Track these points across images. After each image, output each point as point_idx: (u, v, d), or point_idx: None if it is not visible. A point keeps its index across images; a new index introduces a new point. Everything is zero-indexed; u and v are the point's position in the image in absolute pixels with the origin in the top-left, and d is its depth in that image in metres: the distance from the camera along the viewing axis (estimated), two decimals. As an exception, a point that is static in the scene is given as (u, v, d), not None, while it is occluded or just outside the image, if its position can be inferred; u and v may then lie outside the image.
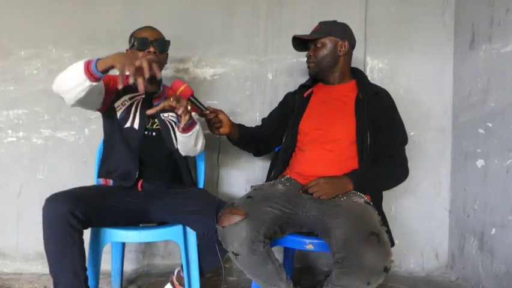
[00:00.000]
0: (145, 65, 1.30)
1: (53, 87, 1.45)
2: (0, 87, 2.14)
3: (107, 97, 1.63)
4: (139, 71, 1.30)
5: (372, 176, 1.55)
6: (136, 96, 1.69)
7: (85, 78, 1.34)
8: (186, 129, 1.54)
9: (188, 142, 1.61)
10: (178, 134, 1.58)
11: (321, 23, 1.70)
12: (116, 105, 1.65)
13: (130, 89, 1.68)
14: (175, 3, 2.17)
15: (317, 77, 1.72)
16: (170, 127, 1.69)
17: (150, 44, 1.61)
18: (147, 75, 1.31)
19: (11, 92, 2.14)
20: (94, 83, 1.37)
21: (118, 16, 2.14)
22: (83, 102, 1.47)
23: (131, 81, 1.29)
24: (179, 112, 1.44)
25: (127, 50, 1.71)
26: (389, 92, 1.69)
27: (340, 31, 1.67)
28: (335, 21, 1.70)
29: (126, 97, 1.68)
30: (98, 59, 1.34)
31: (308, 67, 1.70)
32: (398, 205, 2.20)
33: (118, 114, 1.65)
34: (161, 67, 1.70)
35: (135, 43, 1.63)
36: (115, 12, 2.15)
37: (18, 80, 2.15)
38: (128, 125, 1.64)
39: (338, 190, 1.48)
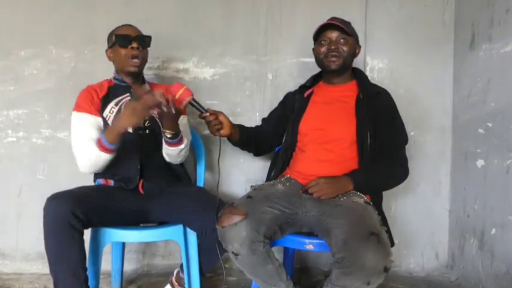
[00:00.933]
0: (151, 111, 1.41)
1: (83, 171, 1.57)
2: (0, 87, 2.14)
3: (95, 107, 1.64)
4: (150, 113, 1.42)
5: (372, 176, 1.55)
6: (122, 100, 1.68)
7: (110, 156, 1.50)
8: (173, 144, 1.56)
9: (171, 154, 1.62)
10: (163, 143, 1.59)
11: (341, 20, 1.63)
12: (105, 114, 1.64)
13: (114, 94, 1.67)
14: (175, 3, 2.17)
15: (332, 73, 1.65)
16: (160, 123, 1.68)
17: (132, 40, 1.62)
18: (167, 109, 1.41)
19: (11, 92, 2.14)
20: (114, 153, 1.50)
21: (118, 16, 2.12)
22: None
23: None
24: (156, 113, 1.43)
25: (107, 51, 1.71)
26: (389, 92, 1.69)
27: (356, 35, 1.67)
28: (349, 22, 1.67)
29: (112, 104, 1.66)
30: (104, 137, 1.46)
31: (331, 60, 1.60)
32: (398, 205, 2.20)
33: (109, 122, 1.63)
34: (144, 63, 1.70)
35: (116, 41, 1.63)
36: (115, 12, 2.14)
37: (18, 80, 2.15)
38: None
39: (337, 190, 1.48)
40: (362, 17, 2.17)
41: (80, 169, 1.56)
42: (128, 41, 1.62)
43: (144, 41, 1.66)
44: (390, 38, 2.19)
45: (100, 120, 1.62)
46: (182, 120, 1.75)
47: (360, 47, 1.69)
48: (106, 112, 1.64)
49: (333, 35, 1.61)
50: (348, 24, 1.64)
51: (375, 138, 1.56)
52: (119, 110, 1.65)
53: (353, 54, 1.65)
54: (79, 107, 1.62)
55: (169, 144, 1.56)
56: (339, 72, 1.65)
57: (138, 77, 1.72)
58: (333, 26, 1.60)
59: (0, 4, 2.14)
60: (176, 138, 1.55)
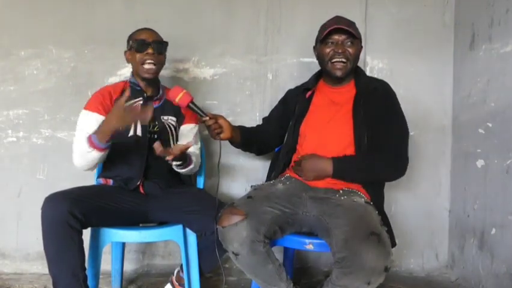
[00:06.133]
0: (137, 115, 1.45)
1: (79, 167, 1.55)
2: (0, 87, 2.14)
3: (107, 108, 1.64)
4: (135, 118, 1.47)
5: (355, 164, 1.52)
6: (134, 104, 1.67)
7: (100, 154, 1.48)
8: (182, 168, 1.61)
9: (181, 173, 1.67)
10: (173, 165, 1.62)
11: (347, 21, 1.58)
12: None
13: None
14: (175, 3, 2.17)
15: (336, 78, 1.62)
16: (169, 130, 1.70)
17: (148, 45, 1.61)
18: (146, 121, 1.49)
19: (11, 92, 2.14)
20: (107, 150, 1.51)
21: (118, 16, 2.14)
22: None
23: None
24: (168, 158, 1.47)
25: (125, 52, 1.71)
26: (389, 84, 1.66)
27: (360, 36, 1.62)
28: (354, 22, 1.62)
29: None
30: (95, 134, 1.45)
31: (338, 67, 1.57)
32: (398, 205, 2.20)
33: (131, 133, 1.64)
34: (160, 68, 1.70)
35: (133, 45, 1.64)
36: (115, 12, 2.15)
37: (18, 80, 2.15)
38: (131, 133, 1.64)
39: (317, 174, 1.52)
40: (362, 17, 2.17)
41: (74, 164, 1.55)
42: (144, 47, 1.61)
43: (160, 47, 1.66)
44: (390, 38, 2.19)
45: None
46: (193, 129, 1.78)
47: (362, 47, 1.65)
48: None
49: (341, 37, 1.56)
50: (353, 25, 1.60)
51: (373, 138, 1.54)
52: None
53: (358, 57, 1.62)
54: (88, 106, 1.62)
55: (178, 168, 1.60)
56: (343, 78, 1.62)
57: (153, 81, 1.71)
58: (341, 29, 1.56)
59: (0, 4, 2.14)
60: (184, 165, 1.58)
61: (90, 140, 1.45)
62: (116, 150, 1.64)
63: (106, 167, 1.70)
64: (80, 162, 1.53)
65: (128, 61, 1.71)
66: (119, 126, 1.41)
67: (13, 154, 2.15)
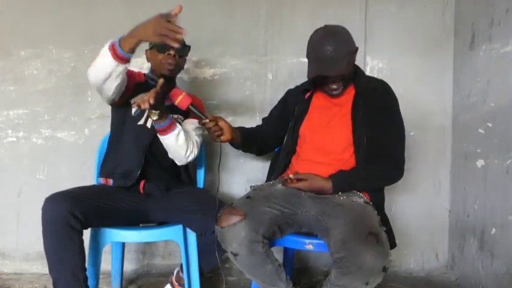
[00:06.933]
0: (172, 29, 1.32)
1: (91, 82, 1.50)
2: (0, 87, 2.15)
3: (126, 90, 1.61)
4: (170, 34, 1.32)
5: (354, 177, 1.51)
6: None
7: (113, 63, 1.38)
8: (163, 130, 1.54)
9: (167, 145, 1.59)
10: (159, 136, 1.57)
11: (331, 44, 1.46)
12: (132, 101, 1.66)
13: (146, 86, 1.67)
14: (175, 3, 2.16)
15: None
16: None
17: (170, 47, 1.60)
18: (180, 39, 1.33)
19: (11, 92, 2.15)
20: (126, 64, 1.41)
21: (118, 16, 2.14)
22: (119, 89, 1.51)
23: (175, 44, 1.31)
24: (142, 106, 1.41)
25: (146, 51, 1.73)
26: (388, 84, 1.65)
27: (350, 42, 1.54)
28: (340, 34, 1.52)
29: (142, 95, 1.66)
30: (120, 40, 1.37)
31: (333, 94, 1.58)
32: (398, 205, 2.20)
33: (133, 111, 1.66)
34: (179, 71, 1.74)
35: (156, 45, 1.65)
36: (115, 12, 2.15)
37: (18, 80, 2.15)
38: (141, 122, 1.66)
39: (315, 193, 1.49)
40: (362, 17, 2.17)
41: (88, 72, 1.49)
42: (166, 48, 1.62)
43: (182, 50, 1.68)
44: (390, 38, 2.19)
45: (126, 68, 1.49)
46: (195, 121, 1.72)
47: (356, 47, 1.58)
48: (133, 100, 1.66)
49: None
50: (336, 48, 1.47)
51: (371, 138, 1.54)
52: None
53: (351, 65, 1.57)
54: None
55: (160, 132, 1.53)
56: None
57: (170, 80, 1.72)
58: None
59: (0, 4, 2.14)
60: (164, 122, 1.51)
61: (111, 44, 1.38)
62: (119, 139, 1.65)
63: (106, 157, 1.70)
64: (90, 69, 1.47)
65: (148, 60, 1.74)
66: (149, 36, 1.34)
67: (13, 154, 2.15)
